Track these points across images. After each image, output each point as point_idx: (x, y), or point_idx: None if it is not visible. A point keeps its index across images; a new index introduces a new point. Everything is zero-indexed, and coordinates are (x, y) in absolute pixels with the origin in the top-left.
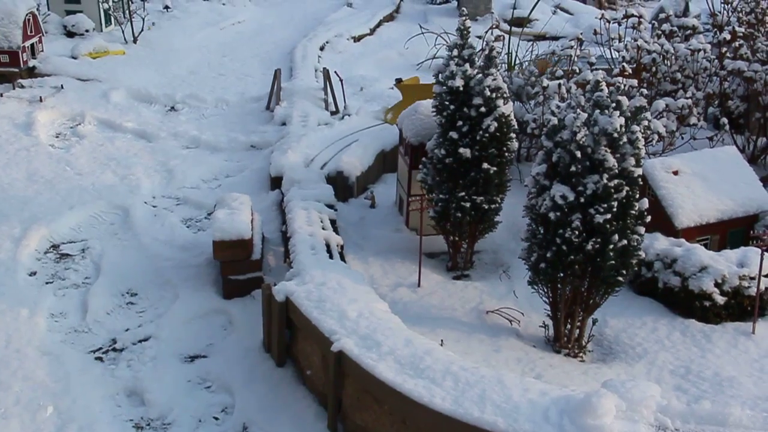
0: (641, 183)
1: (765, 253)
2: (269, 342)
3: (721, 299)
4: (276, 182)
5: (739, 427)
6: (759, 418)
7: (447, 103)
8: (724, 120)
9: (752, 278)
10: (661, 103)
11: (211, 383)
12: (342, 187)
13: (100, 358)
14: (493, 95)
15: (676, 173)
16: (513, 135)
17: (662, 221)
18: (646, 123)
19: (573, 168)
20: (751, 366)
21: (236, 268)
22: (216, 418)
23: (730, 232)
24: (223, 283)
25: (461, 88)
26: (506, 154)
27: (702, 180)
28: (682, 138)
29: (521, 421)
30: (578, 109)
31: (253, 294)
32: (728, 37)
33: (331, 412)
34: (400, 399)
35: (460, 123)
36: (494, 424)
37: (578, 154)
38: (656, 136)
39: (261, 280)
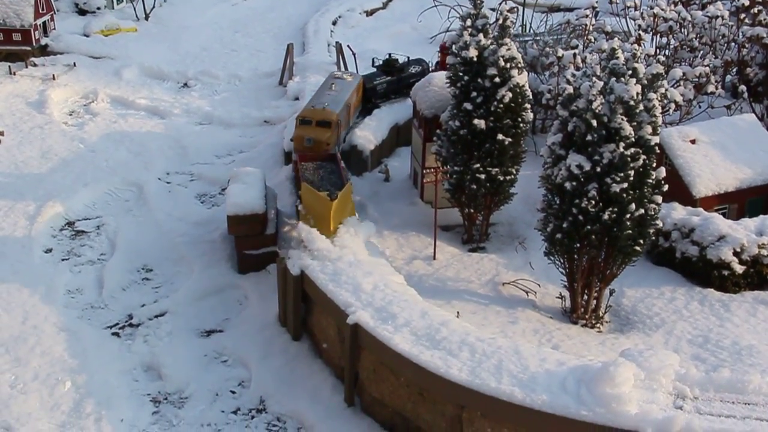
0: (658, 152)
1: None
2: (285, 316)
3: (739, 268)
4: (289, 157)
5: (758, 395)
6: None
7: (461, 74)
8: (743, 88)
9: None
10: (678, 72)
11: (228, 357)
12: (356, 161)
13: (116, 334)
14: (508, 65)
15: (693, 142)
16: (528, 106)
17: (680, 190)
18: (663, 90)
19: (589, 137)
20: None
21: (251, 242)
22: (233, 392)
23: (748, 201)
24: (237, 258)
25: (475, 59)
26: (521, 125)
27: (720, 149)
28: (700, 107)
29: (538, 391)
30: (594, 78)
31: (268, 268)
32: (746, 2)
33: (348, 385)
34: (416, 370)
35: (474, 94)
36: (511, 395)
37: (594, 122)
38: (673, 105)
39: (276, 254)
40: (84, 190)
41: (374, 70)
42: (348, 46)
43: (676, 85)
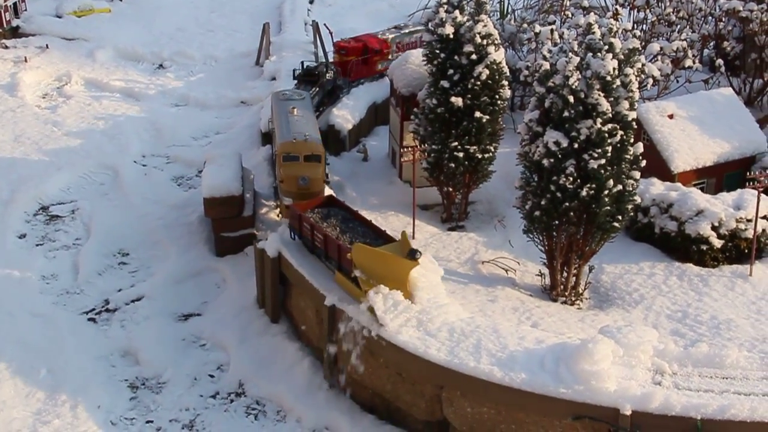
0: (636, 127)
1: (761, 194)
2: (263, 298)
3: (717, 242)
4: (267, 138)
5: (736, 369)
6: (756, 359)
7: (437, 51)
8: (720, 62)
9: (749, 220)
10: (655, 46)
11: (206, 341)
12: (334, 140)
13: (93, 319)
14: (484, 42)
15: (671, 117)
16: (505, 83)
17: (658, 165)
18: (639, 65)
19: (566, 113)
20: (748, 308)
21: (228, 225)
22: (211, 376)
23: (726, 175)
24: (215, 240)
25: (451, 36)
26: (499, 102)
27: (698, 123)
28: (678, 81)
29: (517, 370)
30: (570, 53)
31: (245, 251)
32: None
33: (327, 367)
34: (395, 351)
35: (451, 72)
36: (490, 374)
37: (571, 98)
38: (651, 80)
39: (253, 236)
40: (58, 174)
41: (299, 81)
42: (325, 24)
43: (653, 60)
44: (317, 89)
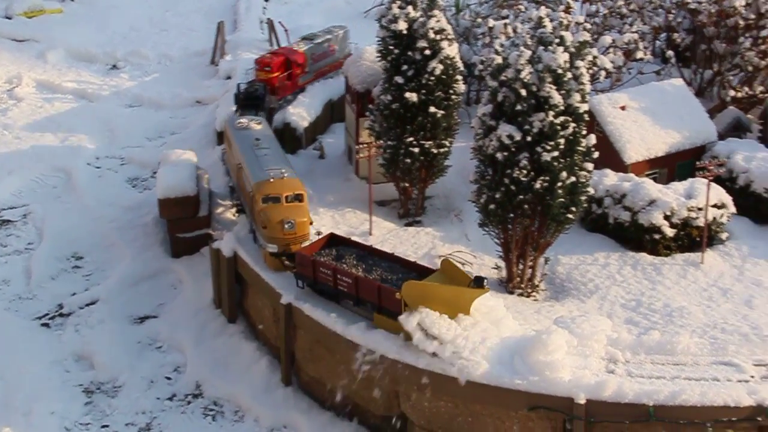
0: (588, 119)
1: (711, 183)
2: (219, 299)
3: (670, 231)
4: (221, 138)
5: (687, 355)
6: (706, 345)
7: (391, 47)
8: (671, 53)
9: (700, 209)
10: (607, 39)
11: (162, 343)
12: (290, 138)
13: (46, 325)
14: (438, 37)
15: (623, 108)
16: (460, 77)
17: (611, 157)
18: (591, 58)
19: (519, 107)
20: (700, 295)
21: (183, 225)
22: (168, 378)
23: (678, 165)
24: (170, 241)
25: (405, 32)
26: (453, 97)
27: (649, 114)
28: (629, 73)
29: (474, 363)
30: (522, 47)
31: (202, 251)
32: None
33: (285, 366)
34: (350, 348)
35: (405, 67)
36: (447, 368)
37: (523, 92)
38: (603, 72)
39: (209, 236)
40: (9, 178)
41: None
42: (280, 22)
43: (606, 53)
44: (262, 113)
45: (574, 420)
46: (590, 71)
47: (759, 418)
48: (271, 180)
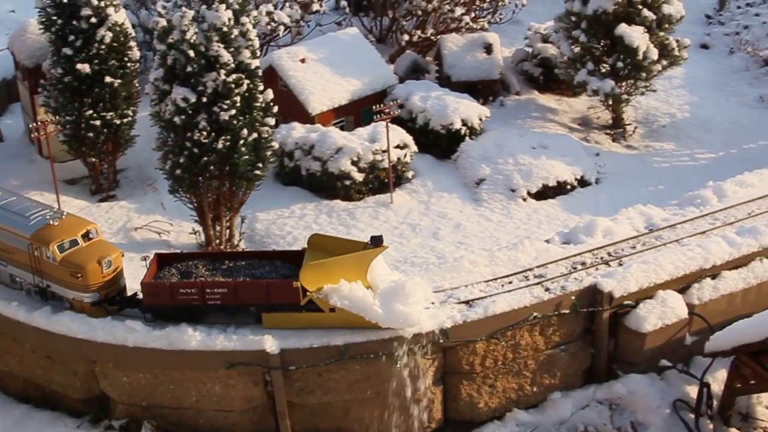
0: (261, 75)
1: (392, 124)
2: None
3: (359, 176)
4: None
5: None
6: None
7: (54, 17)
8: (344, 3)
9: (384, 151)
10: None
11: None
12: None
13: None
14: (102, 4)
15: (303, 61)
16: (133, 44)
17: (297, 110)
18: (255, 14)
19: (189, 68)
20: (392, 233)
21: None
22: None
23: (362, 111)
24: None
25: (66, 0)
26: (129, 65)
27: (329, 64)
28: (309, 26)
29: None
30: (183, 7)
31: None
32: None
33: None
34: (39, 335)
35: (72, 38)
36: (137, 340)
37: (191, 53)
38: (282, 27)
39: None
40: None
41: None
42: None
43: (282, 7)
44: None
45: (272, 371)
46: (269, 26)
47: (441, 341)
48: (53, 223)
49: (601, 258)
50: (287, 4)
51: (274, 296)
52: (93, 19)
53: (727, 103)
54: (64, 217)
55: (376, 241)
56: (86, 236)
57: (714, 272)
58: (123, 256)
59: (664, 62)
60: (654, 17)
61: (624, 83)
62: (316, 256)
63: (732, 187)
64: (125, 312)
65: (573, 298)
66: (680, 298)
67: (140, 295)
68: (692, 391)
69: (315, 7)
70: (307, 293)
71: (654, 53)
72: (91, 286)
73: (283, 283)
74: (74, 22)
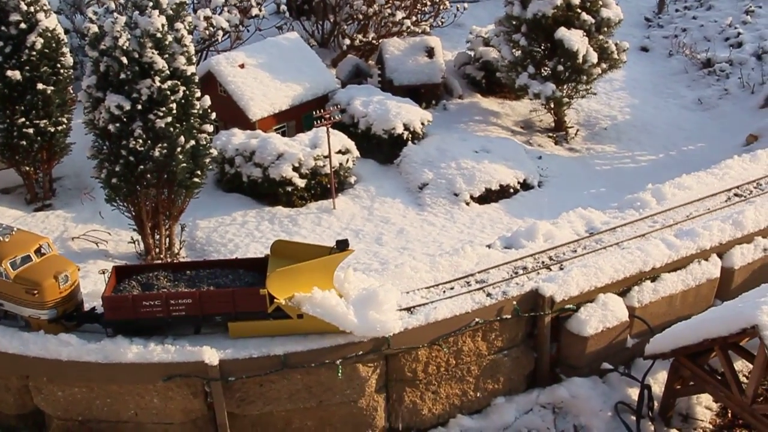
0: (199, 81)
1: (333, 129)
2: None
3: (301, 182)
4: None
5: None
6: None
7: None
8: (284, 8)
9: (326, 157)
10: None
11: None
12: None
13: None
14: (32, 9)
15: (242, 66)
16: (66, 50)
17: (238, 116)
18: (190, 20)
19: (123, 75)
20: (334, 240)
21: None
22: None
23: (304, 116)
24: None
25: None
26: (62, 71)
27: (269, 70)
28: (249, 31)
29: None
30: (116, 13)
31: None
32: None
33: None
34: None
35: (0, 44)
36: (71, 355)
37: (124, 59)
38: (221, 32)
39: None
40: None
41: None
42: None
43: (221, 12)
44: None
45: (211, 382)
46: (207, 31)
47: (383, 349)
48: (3, 239)
49: (543, 262)
50: (226, 8)
51: (240, 305)
52: (22, 25)
53: (666, 106)
54: (14, 233)
55: (342, 246)
56: (39, 251)
57: (654, 275)
58: (79, 270)
59: (604, 65)
60: (593, 21)
61: (565, 86)
62: (280, 263)
63: (671, 190)
64: (84, 328)
65: (515, 303)
66: (621, 301)
67: (99, 310)
68: (634, 393)
69: (254, 11)
70: (275, 300)
71: (594, 56)
72: (48, 303)
73: (249, 291)
74: (2, 28)
